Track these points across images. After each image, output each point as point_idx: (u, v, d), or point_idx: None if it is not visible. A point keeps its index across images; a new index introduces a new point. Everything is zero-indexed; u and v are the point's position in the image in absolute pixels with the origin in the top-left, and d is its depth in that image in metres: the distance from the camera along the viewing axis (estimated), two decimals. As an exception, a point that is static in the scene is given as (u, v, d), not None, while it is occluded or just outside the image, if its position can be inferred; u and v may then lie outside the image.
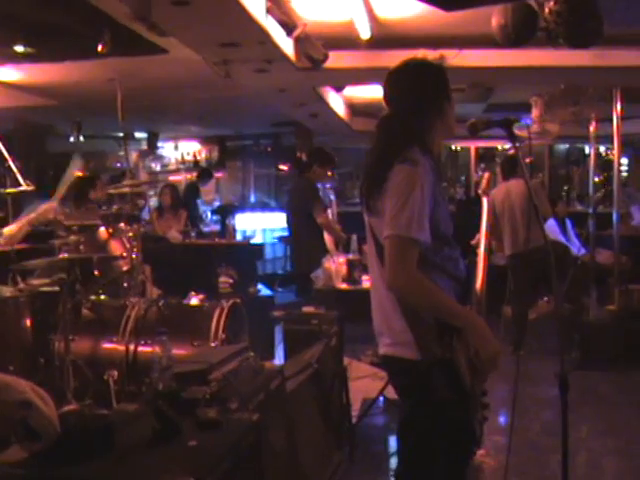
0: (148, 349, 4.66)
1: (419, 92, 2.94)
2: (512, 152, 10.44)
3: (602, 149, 15.59)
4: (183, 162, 16.58)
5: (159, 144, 15.40)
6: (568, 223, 10.03)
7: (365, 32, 6.64)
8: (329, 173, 7.86)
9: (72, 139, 11.92)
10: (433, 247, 2.74)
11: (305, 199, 7.59)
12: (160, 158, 16.63)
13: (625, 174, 16.24)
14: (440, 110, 2.96)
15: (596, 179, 9.42)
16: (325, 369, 4.53)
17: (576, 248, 9.31)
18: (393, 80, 3.02)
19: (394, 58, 6.40)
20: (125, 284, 5.49)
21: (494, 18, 5.38)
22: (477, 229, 3.52)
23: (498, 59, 6.96)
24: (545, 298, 9.36)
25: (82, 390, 4.52)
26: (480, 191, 3.64)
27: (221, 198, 15.77)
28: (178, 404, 2.59)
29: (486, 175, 3.64)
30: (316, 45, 6.58)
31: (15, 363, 4.62)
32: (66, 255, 5.00)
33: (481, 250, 3.33)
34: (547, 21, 5.14)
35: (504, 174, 8.27)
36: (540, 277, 7.60)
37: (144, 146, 15.22)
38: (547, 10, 5.07)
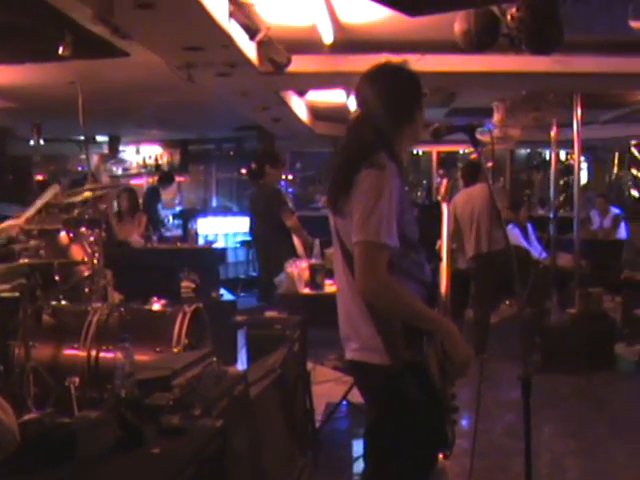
0: (110, 355, 4.61)
1: (394, 97, 2.94)
2: (473, 158, 10.56)
3: (563, 154, 15.79)
4: (145, 166, 16.45)
5: (121, 148, 15.29)
6: (529, 227, 10.12)
7: (328, 36, 6.64)
8: (282, 174, 7.85)
9: (32, 142, 11.79)
10: (400, 252, 2.74)
11: (272, 204, 7.58)
12: (122, 162, 16.48)
13: (585, 179, 16.44)
14: (411, 117, 2.97)
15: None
16: (288, 374, 4.51)
17: (537, 252, 9.39)
18: (368, 82, 3.00)
19: (357, 63, 6.46)
20: (87, 289, 5.43)
21: (457, 23, 5.41)
22: (439, 234, 3.54)
23: (461, 64, 6.99)
24: (507, 302, 9.44)
25: (43, 397, 4.45)
26: (440, 198, 3.67)
27: (183, 202, 15.70)
28: (141, 411, 2.57)
29: (444, 182, 3.66)
30: (279, 49, 6.56)
31: (-26, 370, 4.55)
32: (26, 260, 4.94)
33: (444, 254, 3.35)
34: (509, 27, 5.19)
35: (465, 181, 8.35)
36: (502, 281, 7.65)
37: (105, 149, 15.10)
38: (509, 17, 5.11)
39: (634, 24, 5.39)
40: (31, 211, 5.47)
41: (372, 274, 2.66)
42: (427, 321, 2.74)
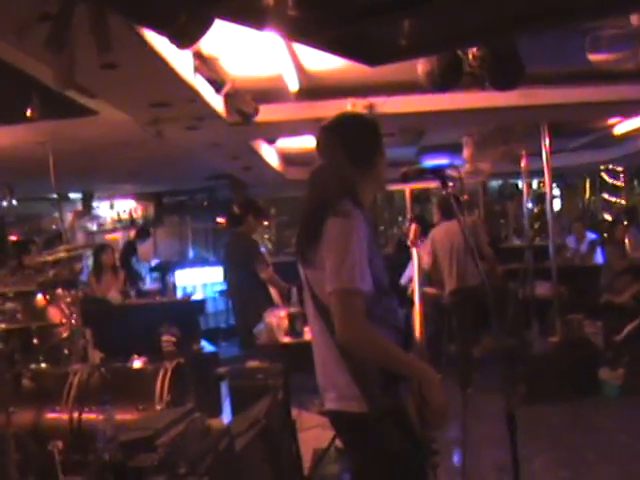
0: (93, 416, 4.58)
1: (352, 145, 2.97)
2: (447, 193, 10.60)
3: (535, 183, 15.93)
4: (119, 220, 16.45)
5: (94, 204, 15.26)
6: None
7: (294, 85, 6.69)
8: (264, 223, 7.93)
9: (4, 203, 11.75)
10: (373, 298, 2.74)
11: (246, 254, 7.62)
12: (96, 218, 16.45)
13: (558, 206, 16.59)
14: (372, 164, 3.00)
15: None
16: (274, 423, 4.48)
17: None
18: (327, 133, 3.04)
19: (324, 109, 6.51)
20: (66, 351, 5.40)
21: (420, 65, 5.47)
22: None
23: (427, 104, 7.04)
24: (489, 334, 9.43)
25: (26, 464, 4.40)
26: (409, 242, 3.68)
27: (159, 255, 15.65)
28: (125, 474, 2.55)
29: (413, 227, 3.68)
30: (246, 100, 6.61)
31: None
32: (3, 325, 4.91)
33: (416, 298, 3.36)
34: (471, 66, 5.26)
35: (442, 215, 8.35)
36: (481, 313, 7.68)
37: (79, 206, 15.07)
38: (470, 56, 5.19)
39: (592, 57, 5.48)
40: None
41: (350, 321, 2.65)
42: (405, 367, 2.74)
